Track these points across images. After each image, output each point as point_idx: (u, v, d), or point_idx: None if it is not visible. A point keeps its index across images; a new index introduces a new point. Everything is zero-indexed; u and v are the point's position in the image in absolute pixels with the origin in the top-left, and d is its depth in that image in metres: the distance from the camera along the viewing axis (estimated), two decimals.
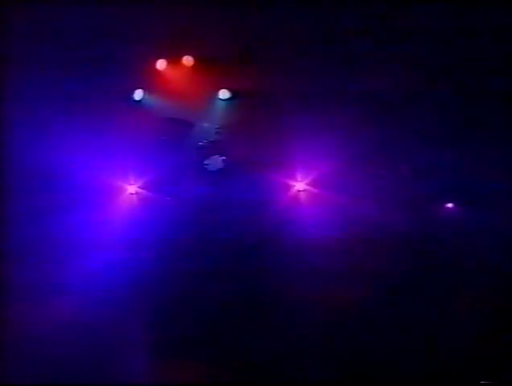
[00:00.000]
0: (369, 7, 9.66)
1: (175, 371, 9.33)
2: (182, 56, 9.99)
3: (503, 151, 9.50)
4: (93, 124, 9.78)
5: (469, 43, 9.52)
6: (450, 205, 9.65)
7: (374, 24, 9.71)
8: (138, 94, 9.98)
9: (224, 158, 9.84)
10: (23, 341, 9.37)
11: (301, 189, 9.74)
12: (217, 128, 9.92)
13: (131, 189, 9.88)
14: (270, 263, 9.58)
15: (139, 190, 9.88)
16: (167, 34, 9.86)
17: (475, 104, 9.56)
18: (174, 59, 9.98)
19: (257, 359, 9.33)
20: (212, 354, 9.39)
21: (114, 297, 9.49)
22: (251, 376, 9.29)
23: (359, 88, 9.62)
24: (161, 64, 9.99)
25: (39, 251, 9.60)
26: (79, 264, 9.56)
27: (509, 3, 9.49)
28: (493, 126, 9.52)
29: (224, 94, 9.96)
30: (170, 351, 9.40)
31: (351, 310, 9.37)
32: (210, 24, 9.83)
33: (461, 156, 9.58)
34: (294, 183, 9.73)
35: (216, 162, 9.85)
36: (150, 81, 9.96)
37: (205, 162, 9.87)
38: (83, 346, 9.37)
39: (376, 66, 9.65)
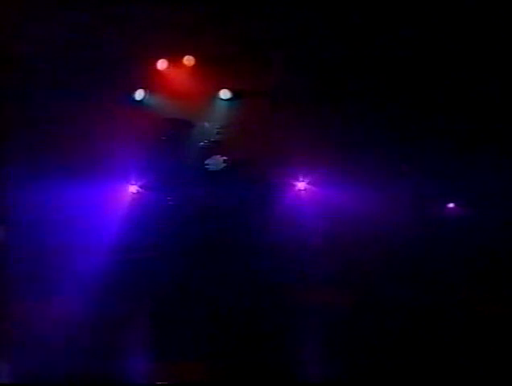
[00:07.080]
0: (369, 7, 9.69)
1: (175, 371, 9.35)
2: (183, 56, 10.00)
3: (504, 151, 9.56)
4: (94, 124, 9.78)
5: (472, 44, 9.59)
6: (451, 205, 9.72)
7: (374, 24, 9.74)
8: (139, 94, 9.98)
9: (225, 158, 9.86)
10: (23, 341, 9.39)
11: (302, 188, 9.77)
12: (218, 128, 9.93)
13: (132, 189, 9.88)
14: (271, 262, 9.59)
15: (140, 190, 9.88)
16: (167, 34, 9.87)
17: (475, 105, 9.62)
18: (175, 59, 9.99)
19: (256, 359, 9.37)
20: (212, 355, 9.42)
21: (115, 296, 9.50)
22: (251, 377, 9.32)
23: (360, 87, 9.66)
24: (162, 64, 10.00)
25: (39, 251, 9.60)
26: (79, 264, 9.56)
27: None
28: (494, 126, 9.59)
29: (224, 94, 9.98)
30: (170, 352, 9.42)
31: (352, 311, 9.41)
32: (210, 24, 9.84)
33: (461, 156, 9.63)
34: (295, 183, 9.76)
35: (217, 162, 9.86)
36: (150, 81, 9.97)
37: (206, 162, 9.88)
38: (83, 346, 9.37)
39: (377, 66, 9.69)
